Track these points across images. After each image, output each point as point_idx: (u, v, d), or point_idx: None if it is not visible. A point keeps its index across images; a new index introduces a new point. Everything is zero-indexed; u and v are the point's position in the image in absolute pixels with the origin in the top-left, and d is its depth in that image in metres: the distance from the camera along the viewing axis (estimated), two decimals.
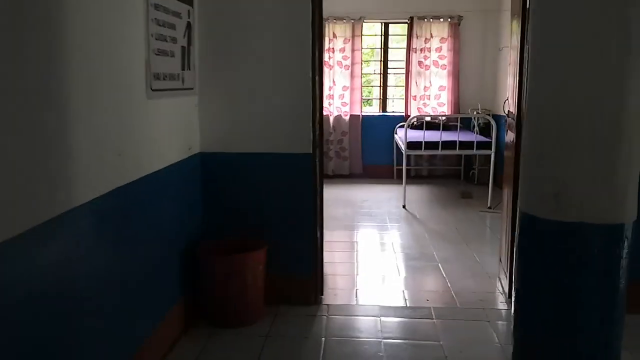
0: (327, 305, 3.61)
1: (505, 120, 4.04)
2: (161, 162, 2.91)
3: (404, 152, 6.38)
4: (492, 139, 6.38)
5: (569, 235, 1.74)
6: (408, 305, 3.63)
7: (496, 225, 5.60)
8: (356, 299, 3.75)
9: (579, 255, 1.74)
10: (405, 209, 6.27)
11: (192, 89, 3.35)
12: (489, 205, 6.27)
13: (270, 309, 3.47)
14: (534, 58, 1.92)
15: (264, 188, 3.56)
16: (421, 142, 6.30)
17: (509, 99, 3.97)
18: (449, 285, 3.96)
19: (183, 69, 3.16)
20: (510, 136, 3.80)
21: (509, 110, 3.95)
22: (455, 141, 6.31)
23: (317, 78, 3.56)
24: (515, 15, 3.77)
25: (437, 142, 6.29)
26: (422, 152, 6.36)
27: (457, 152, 6.40)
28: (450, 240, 5.10)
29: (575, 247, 1.74)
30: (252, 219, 3.57)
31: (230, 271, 3.23)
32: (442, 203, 6.64)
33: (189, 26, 3.23)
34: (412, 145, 6.35)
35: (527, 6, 3.41)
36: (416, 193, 7.16)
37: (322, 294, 3.70)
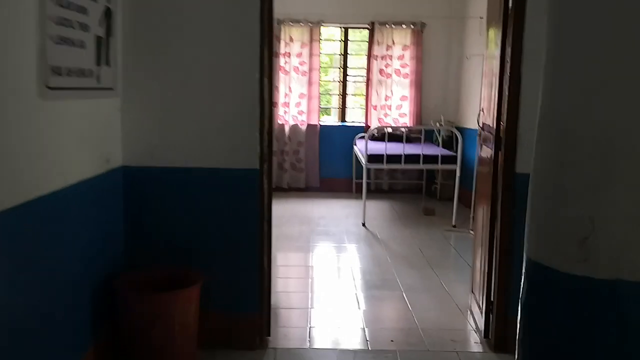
0: (275, 349, 3.05)
1: (479, 134, 3.59)
2: (65, 179, 2.30)
3: (364, 165, 5.90)
4: (457, 152, 5.97)
5: (600, 296, 1.25)
6: (370, 349, 3.10)
7: (463, 246, 5.17)
8: (309, 341, 3.20)
9: (612, 322, 1.25)
10: (365, 227, 5.78)
11: (111, 89, 2.75)
12: (453, 223, 5.85)
13: (205, 354, 2.89)
14: (553, 67, 1.43)
15: (200, 210, 2.98)
16: (382, 155, 5.83)
17: (484, 111, 3.53)
18: (416, 321, 3.46)
19: (99, 64, 2.56)
20: (486, 151, 3.35)
21: (483, 123, 3.51)
22: (419, 154, 5.87)
23: (266, 81, 3.02)
24: (493, 22, 3.34)
25: (400, 156, 5.84)
26: (384, 165, 5.89)
27: (420, 166, 5.95)
28: (414, 265, 4.62)
29: (606, 313, 1.25)
30: (186, 247, 2.99)
31: (155, 313, 2.63)
32: (404, 221, 6.18)
33: (108, 12, 2.64)
34: (373, 158, 5.87)
35: (509, 12, 2.98)
36: (376, 209, 6.69)
37: (269, 335, 3.13)
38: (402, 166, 5.90)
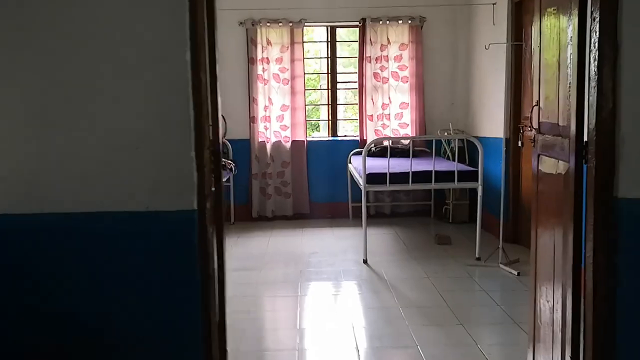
0: None
1: (534, 139, 2.45)
2: None
3: (362, 187, 4.74)
4: (476, 167, 4.84)
5: None
6: None
7: (495, 287, 4.02)
8: None
9: None
10: (367, 265, 4.62)
11: None
12: (477, 255, 4.68)
13: None
14: None
15: (93, 283, 1.81)
16: (385, 173, 4.68)
17: (542, 108, 2.39)
18: None
19: None
20: (550, 163, 2.22)
21: (541, 123, 2.37)
22: (430, 171, 4.72)
23: (206, 77, 1.89)
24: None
25: (406, 174, 4.69)
26: (387, 187, 4.74)
27: (432, 185, 4.79)
28: (436, 319, 3.45)
29: None
30: (68, 346, 1.81)
31: None
32: (414, 253, 5.00)
33: None
34: (373, 178, 4.72)
35: None
36: (379, 239, 5.52)
37: None
38: (410, 186, 4.75)
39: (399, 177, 4.71)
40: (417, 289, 4.02)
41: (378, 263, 4.66)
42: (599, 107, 1.84)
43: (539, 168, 2.39)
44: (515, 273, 4.24)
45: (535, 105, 2.42)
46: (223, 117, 2.23)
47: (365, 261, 4.68)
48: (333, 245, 5.34)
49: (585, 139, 1.93)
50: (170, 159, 1.78)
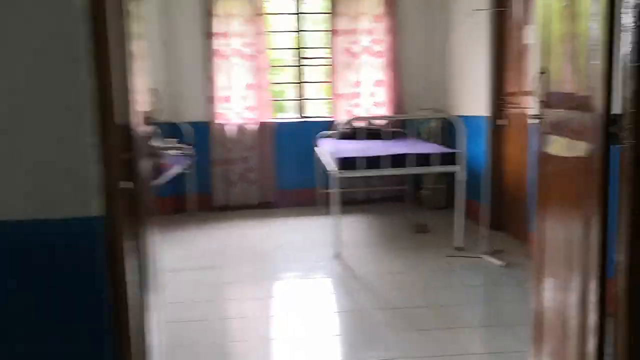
0: None
1: (538, 117, 2.00)
2: None
3: (332, 173, 4.27)
4: (456, 149, 4.40)
5: None
6: None
7: (479, 281, 3.63)
8: None
9: None
10: (339, 259, 4.17)
11: None
12: (458, 244, 4.27)
13: None
14: None
15: None
16: (356, 158, 4.21)
17: (554, 80, 1.93)
18: None
19: None
20: (560, 144, 1.78)
21: (549, 94, 1.92)
22: (406, 154, 4.26)
23: (118, 30, 1.38)
24: None
25: (379, 158, 4.23)
26: (360, 173, 4.27)
27: (410, 169, 4.34)
28: (419, 323, 3.02)
29: None
30: None
31: None
32: (390, 244, 4.58)
33: None
34: (345, 163, 4.24)
35: None
36: (352, 229, 5.07)
37: None
38: (386, 171, 4.29)
39: (373, 162, 4.24)
40: (395, 287, 3.58)
41: (351, 257, 4.22)
42: (637, 70, 1.40)
43: (545, 150, 1.94)
44: (502, 264, 3.84)
45: (543, 73, 1.96)
46: (153, 90, 1.71)
47: (337, 255, 4.23)
48: (302, 237, 4.87)
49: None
50: (58, 147, 1.27)
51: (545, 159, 1.96)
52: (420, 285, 3.57)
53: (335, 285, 3.69)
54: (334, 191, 4.23)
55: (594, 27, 1.57)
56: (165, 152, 4.13)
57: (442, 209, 5.73)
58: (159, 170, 3.98)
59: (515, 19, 4.37)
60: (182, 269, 4.01)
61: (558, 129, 1.83)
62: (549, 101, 1.90)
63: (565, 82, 1.77)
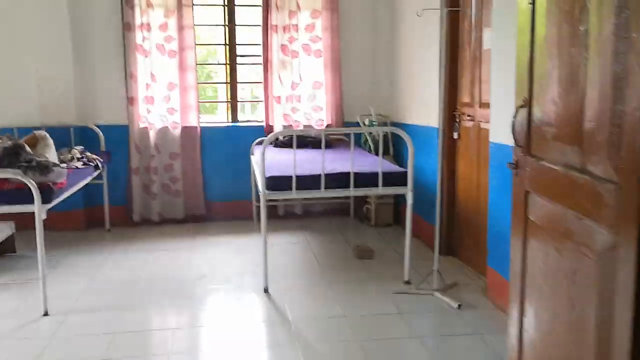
0: None
1: (516, 165, 1.46)
2: None
3: (261, 194, 3.64)
4: (404, 164, 3.87)
5: None
6: None
7: (431, 330, 3.09)
8: None
9: None
10: (268, 295, 3.57)
11: None
12: (406, 278, 3.75)
13: None
14: None
15: None
16: (290, 177, 3.61)
17: (551, 120, 1.38)
18: None
19: None
20: (568, 224, 1.23)
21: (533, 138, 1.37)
22: (347, 173, 3.69)
23: None
24: None
25: (318, 177, 3.64)
26: (293, 194, 3.66)
27: (353, 192, 3.76)
28: None
29: None
30: None
31: None
32: (329, 275, 3.99)
33: None
34: (275, 183, 3.63)
35: None
36: (286, 252, 4.49)
37: None
38: (323, 193, 3.70)
39: (310, 181, 3.66)
40: (332, 339, 3.00)
41: (282, 292, 3.62)
42: None
43: (529, 215, 1.40)
44: (455, 306, 3.34)
45: (522, 106, 1.40)
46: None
47: (266, 290, 3.63)
48: (229, 263, 4.24)
49: None
50: None
51: (527, 224, 1.41)
52: (361, 336, 3.01)
53: (259, 336, 3.08)
54: (263, 216, 3.61)
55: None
56: (57, 167, 3.39)
57: (389, 226, 5.23)
58: (49, 191, 3.25)
59: (471, 21, 3.87)
60: (73, 311, 3.31)
61: (547, 192, 1.28)
62: (530, 147, 1.35)
63: (562, 122, 1.22)
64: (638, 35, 0.96)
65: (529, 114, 1.38)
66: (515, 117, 1.44)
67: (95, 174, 4.48)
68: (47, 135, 3.75)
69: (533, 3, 1.24)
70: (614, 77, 1.06)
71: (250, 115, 5.96)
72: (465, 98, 4.04)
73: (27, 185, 3.10)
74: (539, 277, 1.34)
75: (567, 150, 1.19)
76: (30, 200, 3.13)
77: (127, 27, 5.09)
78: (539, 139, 1.32)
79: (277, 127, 5.40)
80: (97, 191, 5.12)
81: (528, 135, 1.37)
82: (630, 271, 0.98)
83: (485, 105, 3.67)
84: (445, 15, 3.67)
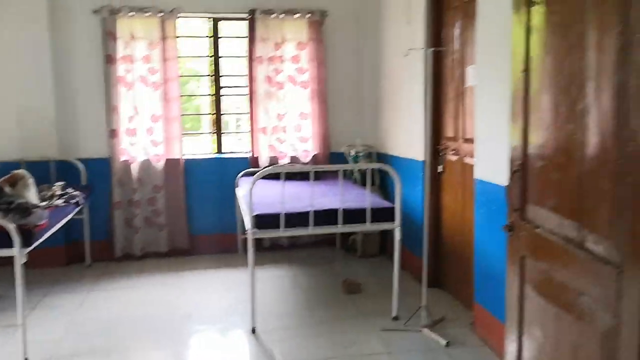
0: None
1: (511, 228, 1.43)
2: None
3: (248, 232, 3.59)
4: (391, 197, 3.85)
5: None
6: None
7: None
8: None
9: None
10: (256, 337, 3.50)
11: None
12: (394, 314, 3.71)
13: None
14: None
15: None
16: (278, 215, 3.57)
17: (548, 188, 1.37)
18: None
19: None
20: (569, 297, 1.20)
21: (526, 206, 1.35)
22: (336, 210, 3.66)
23: None
24: None
25: (307, 215, 3.60)
26: (281, 233, 3.62)
27: (346, 227, 3.72)
28: None
29: None
30: None
31: None
32: (317, 314, 3.92)
33: None
34: (262, 221, 3.58)
35: None
36: (273, 288, 4.42)
37: None
38: (312, 230, 3.66)
39: (297, 219, 3.62)
40: None
41: (270, 334, 3.55)
42: None
43: (526, 280, 1.37)
44: (444, 343, 3.30)
45: (517, 171, 1.39)
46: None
47: (254, 330, 3.56)
48: (216, 301, 4.16)
49: None
50: None
51: (524, 294, 1.38)
52: None
53: None
54: (250, 256, 3.55)
55: None
56: (38, 209, 3.30)
57: (375, 257, 5.20)
58: (29, 234, 3.15)
59: (455, 58, 3.90)
60: (53, 357, 3.20)
61: (545, 259, 1.26)
62: (526, 212, 1.33)
63: (561, 194, 1.20)
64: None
65: (524, 180, 1.36)
66: (510, 182, 1.42)
67: (76, 210, 4.39)
68: (27, 174, 3.66)
69: (526, 71, 1.23)
70: (614, 155, 1.04)
71: (235, 140, 5.90)
72: (449, 132, 4.05)
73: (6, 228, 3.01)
74: (540, 352, 1.31)
75: (565, 223, 1.17)
76: (10, 244, 3.03)
77: (109, 59, 5.04)
78: (536, 206, 1.30)
79: (263, 158, 5.36)
80: (78, 226, 5.02)
81: (524, 201, 1.35)
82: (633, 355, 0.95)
83: (469, 140, 3.68)
84: (430, 54, 3.69)
